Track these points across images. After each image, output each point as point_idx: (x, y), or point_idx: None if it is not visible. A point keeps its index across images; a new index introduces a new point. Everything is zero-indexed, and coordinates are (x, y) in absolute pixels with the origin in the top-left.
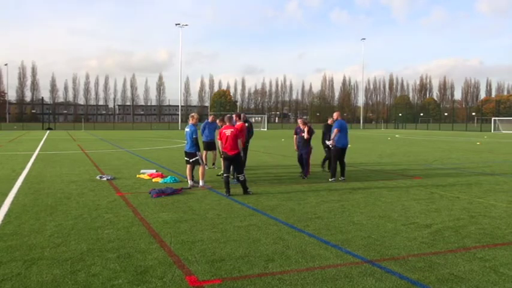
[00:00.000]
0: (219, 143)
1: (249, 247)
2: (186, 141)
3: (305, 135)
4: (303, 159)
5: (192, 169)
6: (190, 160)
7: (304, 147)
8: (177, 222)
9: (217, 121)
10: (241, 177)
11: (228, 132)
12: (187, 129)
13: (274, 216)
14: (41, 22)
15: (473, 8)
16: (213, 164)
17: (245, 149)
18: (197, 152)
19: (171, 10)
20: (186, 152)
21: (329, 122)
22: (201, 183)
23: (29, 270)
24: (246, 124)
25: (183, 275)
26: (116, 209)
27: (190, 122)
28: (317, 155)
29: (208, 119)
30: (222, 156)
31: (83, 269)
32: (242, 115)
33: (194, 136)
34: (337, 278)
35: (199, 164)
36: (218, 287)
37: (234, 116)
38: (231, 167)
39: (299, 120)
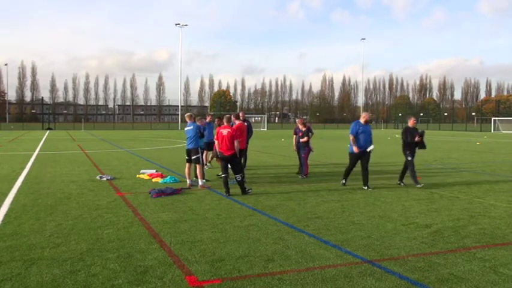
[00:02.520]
0: (216, 142)
1: (249, 247)
2: (187, 139)
3: (304, 138)
4: (301, 159)
5: (190, 168)
6: (192, 158)
7: (303, 147)
8: (177, 222)
9: (216, 121)
10: (238, 178)
11: (224, 132)
12: (189, 127)
13: (274, 216)
14: (41, 22)
15: (474, 8)
16: (209, 162)
17: (244, 149)
18: (199, 149)
19: (172, 10)
20: (186, 149)
21: (410, 124)
22: (200, 182)
23: (29, 270)
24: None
25: (183, 275)
26: (116, 209)
27: (190, 120)
28: (316, 155)
29: (206, 119)
30: (219, 156)
31: (82, 269)
32: (241, 114)
33: (198, 134)
34: (337, 278)
35: (198, 162)
36: (218, 287)
37: (232, 116)
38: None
39: (298, 121)
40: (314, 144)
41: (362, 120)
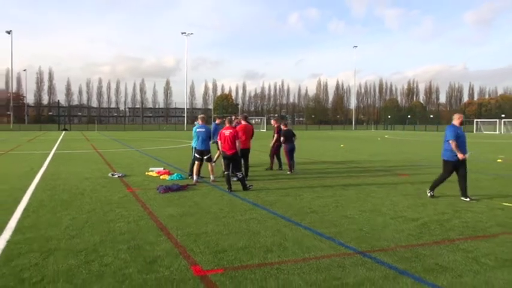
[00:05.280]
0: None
1: (250, 239)
2: (201, 140)
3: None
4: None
5: (200, 166)
6: (205, 157)
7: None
8: (183, 216)
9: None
10: (239, 175)
11: (227, 132)
12: (201, 129)
13: (272, 211)
14: (58, 31)
15: (460, 19)
16: (214, 161)
17: (247, 149)
18: (210, 149)
19: (180, 20)
20: (199, 150)
21: None
22: (212, 177)
23: (46, 260)
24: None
25: (189, 264)
26: (127, 204)
27: (201, 122)
28: (311, 154)
29: (216, 122)
30: (222, 155)
31: (96, 259)
32: (243, 116)
33: (209, 136)
34: (331, 268)
35: (210, 160)
36: (221, 276)
37: (234, 117)
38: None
39: (273, 121)
40: (310, 144)
41: (457, 123)
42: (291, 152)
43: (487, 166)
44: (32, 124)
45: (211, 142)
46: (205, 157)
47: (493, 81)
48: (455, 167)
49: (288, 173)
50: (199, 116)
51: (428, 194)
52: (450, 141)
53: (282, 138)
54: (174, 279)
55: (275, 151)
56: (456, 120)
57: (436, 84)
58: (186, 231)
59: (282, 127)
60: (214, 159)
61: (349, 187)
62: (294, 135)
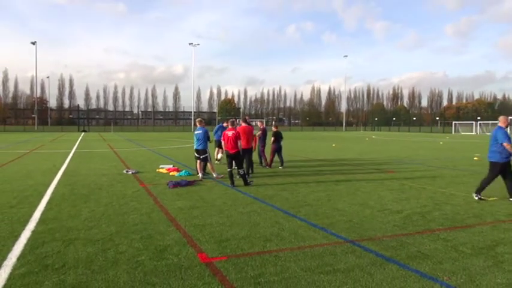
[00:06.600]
0: (223, 142)
1: (250, 229)
2: (197, 141)
3: (259, 134)
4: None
5: (202, 164)
6: (201, 157)
7: (261, 142)
8: (190, 208)
9: (224, 123)
10: (241, 172)
11: (229, 133)
12: (199, 131)
13: (271, 204)
14: (78, 42)
15: (441, 31)
16: (218, 160)
17: (249, 149)
18: (207, 150)
19: (188, 32)
20: (196, 149)
21: None
22: (214, 174)
23: (67, 248)
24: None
25: (195, 252)
26: (140, 197)
27: (199, 125)
28: (306, 153)
29: (222, 123)
30: (226, 154)
31: (112, 247)
32: (246, 118)
33: (207, 137)
34: (324, 255)
35: (207, 160)
36: (224, 262)
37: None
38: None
39: (259, 123)
40: (305, 144)
41: (504, 125)
42: (277, 151)
43: (465, 163)
44: (54, 126)
45: (215, 139)
46: (201, 156)
47: (470, 86)
48: (503, 168)
49: (267, 167)
50: (197, 120)
51: (476, 198)
52: (505, 144)
53: (272, 138)
54: (182, 266)
55: (263, 150)
56: (503, 122)
57: (419, 89)
58: (193, 222)
59: (273, 128)
60: (219, 156)
61: (340, 183)
62: (281, 137)
